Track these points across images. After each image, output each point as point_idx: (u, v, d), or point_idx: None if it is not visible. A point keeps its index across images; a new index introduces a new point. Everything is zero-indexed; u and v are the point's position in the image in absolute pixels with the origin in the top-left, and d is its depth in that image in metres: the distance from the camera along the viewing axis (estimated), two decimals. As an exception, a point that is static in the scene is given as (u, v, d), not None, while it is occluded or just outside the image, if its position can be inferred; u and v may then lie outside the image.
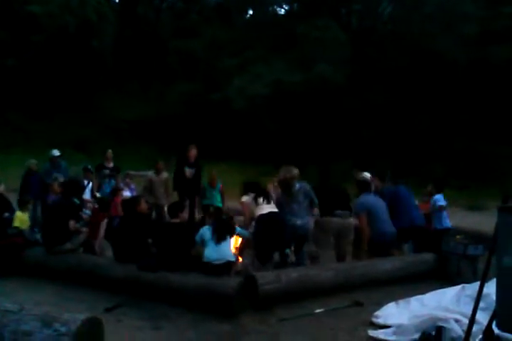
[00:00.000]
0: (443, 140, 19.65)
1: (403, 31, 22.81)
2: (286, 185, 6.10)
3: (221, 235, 5.22)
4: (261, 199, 5.90)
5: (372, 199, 6.60)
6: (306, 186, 6.23)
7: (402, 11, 24.18)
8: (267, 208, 5.86)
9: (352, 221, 6.41)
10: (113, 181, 9.07)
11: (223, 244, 5.19)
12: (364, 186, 6.73)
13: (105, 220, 7.00)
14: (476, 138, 18.95)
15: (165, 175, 9.06)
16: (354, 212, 6.49)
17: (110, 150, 9.38)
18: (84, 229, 6.46)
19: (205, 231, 5.32)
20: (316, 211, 6.41)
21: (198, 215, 8.78)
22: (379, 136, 20.89)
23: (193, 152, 8.73)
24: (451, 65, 19.59)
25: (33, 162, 9.14)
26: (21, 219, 6.68)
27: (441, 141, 19.66)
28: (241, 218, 8.55)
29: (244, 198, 6.04)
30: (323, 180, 6.98)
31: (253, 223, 6.03)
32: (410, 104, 20.92)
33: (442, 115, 19.98)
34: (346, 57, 21.57)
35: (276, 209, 5.90)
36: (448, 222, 7.30)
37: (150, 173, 9.10)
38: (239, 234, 5.91)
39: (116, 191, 8.43)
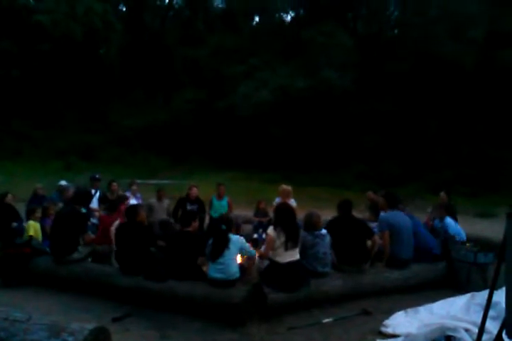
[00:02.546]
0: (451, 145, 19.57)
1: (410, 35, 22.83)
2: (313, 227, 5.50)
3: (215, 253, 4.96)
4: (290, 245, 5.07)
5: (397, 217, 6.12)
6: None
7: (409, 15, 24.20)
8: (289, 253, 5.09)
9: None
10: None
11: (222, 262, 4.92)
12: (392, 201, 6.28)
13: (115, 223, 7.03)
14: (484, 143, 18.86)
15: (166, 202, 9.01)
16: (378, 229, 6.19)
17: (115, 183, 9.02)
18: (92, 235, 6.53)
19: (208, 245, 5.13)
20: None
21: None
22: (386, 141, 20.85)
23: (194, 190, 8.79)
24: (458, 69, 19.55)
25: (39, 186, 9.05)
26: (35, 227, 6.70)
27: (449, 147, 19.58)
28: (249, 227, 8.61)
29: (270, 230, 5.16)
30: (345, 211, 5.99)
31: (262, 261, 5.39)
32: (417, 109, 20.87)
33: (450, 120, 19.92)
34: (352, 62, 21.60)
35: (297, 256, 5.16)
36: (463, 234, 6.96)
37: (151, 200, 9.01)
38: (244, 252, 5.34)
39: (124, 199, 8.42)
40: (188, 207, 8.49)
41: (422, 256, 6.18)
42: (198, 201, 8.81)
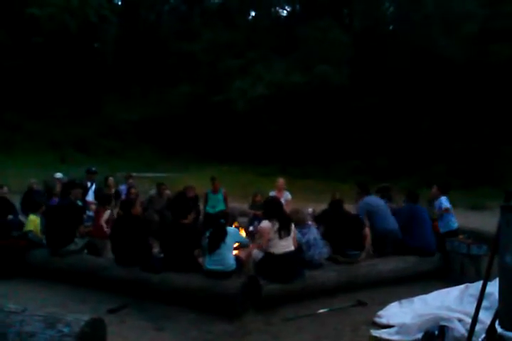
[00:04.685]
0: (444, 140, 19.61)
1: (404, 31, 22.83)
2: (300, 220, 5.89)
3: (213, 245, 5.00)
4: (283, 232, 5.18)
5: (371, 200, 6.86)
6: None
7: (403, 11, 24.18)
8: (283, 244, 5.18)
9: (362, 257, 6.09)
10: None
11: (219, 253, 4.96)
12: (363, 188, 7.13)
13: (107, 213, 7.04)
14: (477, 137, 18.91)
15: (167, 195, 9.02)
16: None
17: (111, 178, 9.22)
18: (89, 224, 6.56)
19: (205, 238, 5.17)
20: None
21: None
22: (380, 136, 20.90)
23: (192, 190, 8.82)
24: (452, 65, 19.58)
25: (33, 181, 9.16)
26: (34, 223, 6.54)
27: (442, 141, 19.62)
28: (245, 220, 8.63)
29: (265, 223, 5.25)
30: (336, 206, 6.62)
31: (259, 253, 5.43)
32: (411, 104, 20.91)
33: (443, 115, 19.96)
34: (348, 58, 21.59)
35: (291, 247, 5.27)
36: (455, 223, 7.18)
37: (152, 192, 9.07)
38: (239, 242, 5.58)
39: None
40: None
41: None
42: (193, 200, 8.73)
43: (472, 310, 3.23)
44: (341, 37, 21.76)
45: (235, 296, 4.64)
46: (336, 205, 6.59)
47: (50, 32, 22.06)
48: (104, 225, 6.88)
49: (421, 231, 6.43)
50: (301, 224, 5.77)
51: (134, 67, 27.47)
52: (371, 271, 5.72)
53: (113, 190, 8.94)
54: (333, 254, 5.90)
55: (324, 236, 6.09)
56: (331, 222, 6.27)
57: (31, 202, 7.50)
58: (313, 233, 5.82)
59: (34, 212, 6.76)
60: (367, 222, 6.47)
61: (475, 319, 3.13)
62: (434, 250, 6.43)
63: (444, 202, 7.19)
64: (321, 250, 5.73)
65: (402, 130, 20.58)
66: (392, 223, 6.59)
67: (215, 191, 8.99)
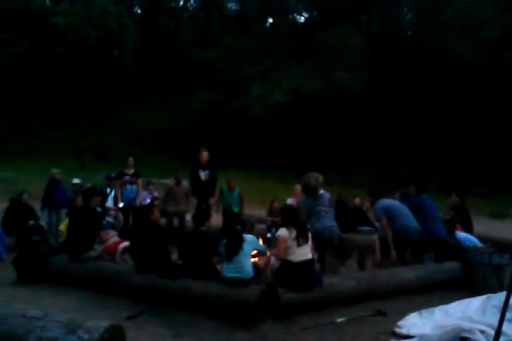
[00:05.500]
0: (463, 146, 19.42)
1: (423, 36, 22.74)
2: (312, 190, 6.12)
3: (231, 252, 5.01)
4: (301, 240, 5.18)
5: (387, 202, 6.67)
6: (327, 193, 6.28)
7: (422, 16, 24.09)
8: (301, 252, 5.17)
9: (375, 237, 6.54)
10: (134, 187, 9.08)
11: (237, 261, 4.95)
12: (375, 194, 7.01)
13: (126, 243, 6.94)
14: (496, 143, 18.68)
15: (185, 184, 9.05)
16: (375, 218, 6.66)
17: (131, 158, 9.41)
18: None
19: (221, 245, 5.20)
20: None
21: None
22: (398, 142, 20.75)
23: (205, 155, 8.69)
24: (470, 69, 19.41)
25: (56, 171, 9.29)
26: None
27: (461, 147, 19.43)
28: (263, 226, 8.61)
29: (282, 232, 5.23)
30: (339, 203, 7.69)
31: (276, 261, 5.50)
32: (430, 110, 20.76)
33: (462, 121, 19.78)
34: (366, 64, 21.55)
35: (309, 255, 5.28)
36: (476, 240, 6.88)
37: (170, 182, 9.13)
38: (257, 250, 5.57)
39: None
40: (201, 175, 8.58)
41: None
42: (209, 166, 8.73)
43: (495, 322, 3.17)
44: (359, 43, 21.74)
45: (253, 304, 4.62)
46: (339, 203, 7.65)
47: (71, 41, 22.45)
48: (119, 252, 6.49)
49: (429, 223, 6.50)
50: (314, 192, 6.04)
51: (153, 75, 27.75)
52: (391, 280, 5.65)
53: (132, 170, 9.17)
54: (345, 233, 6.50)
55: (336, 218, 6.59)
56: (339, 214, 6.95)
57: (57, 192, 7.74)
58: (326, 202, 6.10)
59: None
60: (387, 225, 6.35)
61: (499, 331, 3.07)
62: (445, 238, 6.53)
63: (466, 240, 6.72)
64: (332, 223, 6.06)
65: (421, 136, 20.43)
66: (413, 221, 6.42)
67: (230, 187, 8.84)
